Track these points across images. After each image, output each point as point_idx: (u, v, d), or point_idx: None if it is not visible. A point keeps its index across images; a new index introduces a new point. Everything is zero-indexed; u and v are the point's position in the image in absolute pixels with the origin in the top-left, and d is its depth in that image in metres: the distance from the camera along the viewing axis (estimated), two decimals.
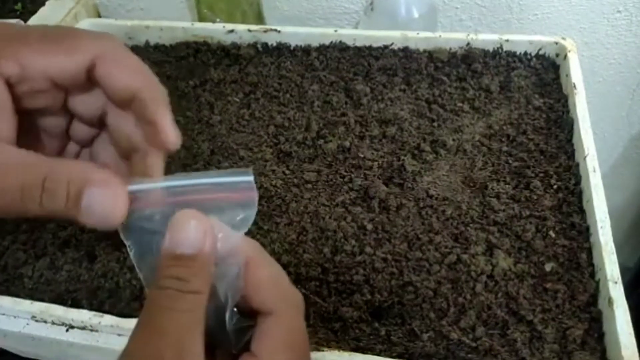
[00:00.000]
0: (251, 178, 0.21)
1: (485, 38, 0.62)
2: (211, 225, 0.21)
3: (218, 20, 0.75)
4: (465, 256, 0.45)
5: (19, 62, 0.20)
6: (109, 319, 0.42)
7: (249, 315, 0.23)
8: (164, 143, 0.23)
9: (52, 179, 0.20)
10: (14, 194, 0.19)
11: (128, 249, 0.22)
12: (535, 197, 0.49)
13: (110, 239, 0.48)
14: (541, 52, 0.62)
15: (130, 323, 0.42)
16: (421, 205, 0.49)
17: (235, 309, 0.23)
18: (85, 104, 0.23)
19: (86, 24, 0.71)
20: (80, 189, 0.20)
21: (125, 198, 0.21)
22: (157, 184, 0.20)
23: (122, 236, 0.21)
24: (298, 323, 0.23)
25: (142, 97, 0.22)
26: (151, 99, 0.22)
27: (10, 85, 0.20)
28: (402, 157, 0.53)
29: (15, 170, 0.20)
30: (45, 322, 0.44)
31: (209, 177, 0.21)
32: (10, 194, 0.19)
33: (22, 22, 0.60)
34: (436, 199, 0.49)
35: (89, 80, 0.22)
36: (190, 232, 0.20)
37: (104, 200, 0.20)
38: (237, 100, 0.62)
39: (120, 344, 0.43)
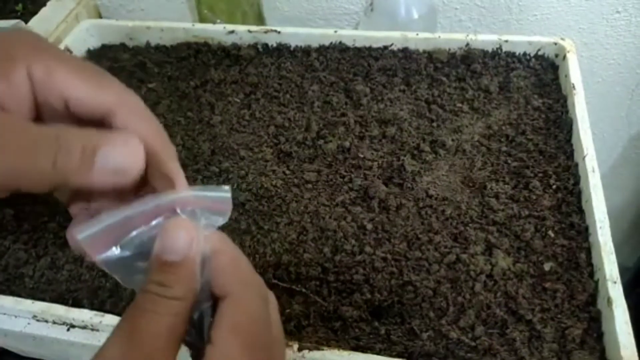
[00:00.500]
0: (229, 195, 0.21)
1: (485, 39, 0.63)
2: (198, 234, 0.21)
3: (218, 21, 0.75)
4: (464, 256, 0.45)
5: (48, 71, 0.20)
6: (110, 319, 0.42)
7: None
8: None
9: (67, 136, 0.20)
10: (26, 149, 0.19)
11: (117, 280, 0.22)
12: (534, 197, 0.49)
13: None
14: (540, 53, 0.62)
15: None
16: (421, 205, 0.49)
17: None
18: None
19: (87, 24, 0.71)
20: (95, 146, 0.20)
21: (142, 151, 0.20)
22: (148, 203, 0.20)
23: (107, 271, 0.21)
24: (256, 307, 0.22)
25: (156, 152, 0.22)
26: (166, 156, 0.22)
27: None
28: (402, 157, 0.53)
29: (28, 127, 0.19)
30: (46, 321, 0.44)
31: (193, 191, 0.21)
32: (23, 148, 0.19)
33: (22, 23, 0.60)
34: (436, 199, 0.50)
35: (101, 123, 0.22)
36: (179, 240, 0.20)
37: (120, 155, 0.20)
38: (238, 100, 0.62)
39: None
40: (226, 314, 0.21)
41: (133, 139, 0.20)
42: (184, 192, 0.21)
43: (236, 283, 0.21)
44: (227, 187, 0.22)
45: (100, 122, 0.21)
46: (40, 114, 0.21)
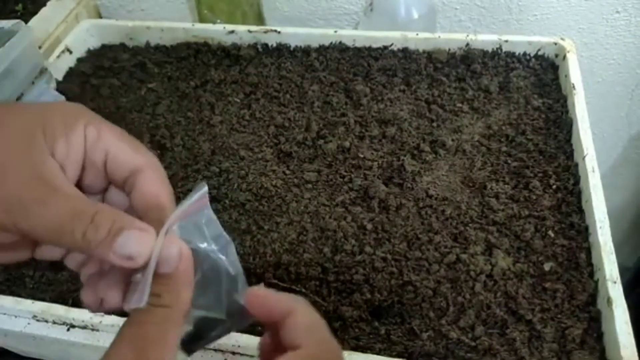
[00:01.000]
0: (204, 189, 0.25)
1: (485, 39, 0.63)
2: (187, 248, 0.24)
3: (218, 21, 0.75)
4: (464, 256, 0.45)
5: (99, 132, 0.25)
6: (109, 319, 0.42)
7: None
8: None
9: (102, 214, 0.23)
10: (69, 215, 0.23)
11: None
12: (534, 197, 0.49)
13: None
14: (540, 53, 0.62)
15: None
16: (421, 205, 0.49)
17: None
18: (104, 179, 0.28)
19: (87, 24, 0.71)
20: (121, 228, 0.23)
21: (152, 242, 0.24)
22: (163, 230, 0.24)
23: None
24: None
25: (163, 208, 0.26)
26: (169, 211, 0.26)
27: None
28: (402, 157, 0.53)
29: (75, 197, 0.23)
30: (46, 321, 0.44)
31: (181, 206, 0.25)
32: (66, 214, 0.23)
33: (22, 23, 0.60)
34: (436, 198, 0.50)
35: (127, 178, 0.27)
36: (169, 254, 0.23)
37: (135, 244, 0.23)
38: (238, 100, 0.62)
39: None
40: (290, 356, 0.23)
41: (149, 232, 0.24)
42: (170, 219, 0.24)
43: (310, 339, 0.24)
44: (202, 183, 0.25)
45: (126, 177, 0.26)
46: (83, 171, 0.26)
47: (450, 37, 0.63)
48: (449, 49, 0.63)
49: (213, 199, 0.51)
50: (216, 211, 0.28)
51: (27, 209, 0.22)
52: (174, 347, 0.22)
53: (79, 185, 0.26)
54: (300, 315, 0.25)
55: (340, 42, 0.66)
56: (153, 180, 0.26)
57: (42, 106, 0.25)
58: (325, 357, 0.25)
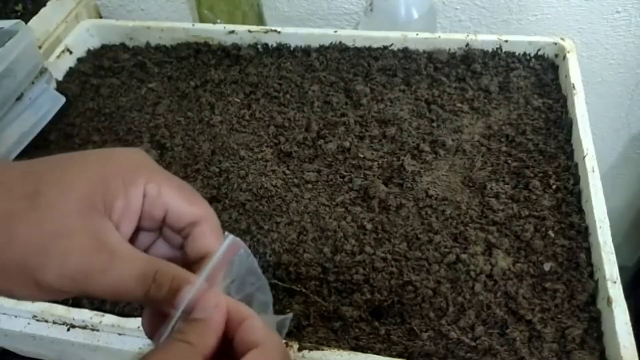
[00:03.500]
0: (231, 238, 0.28)
1: (485, 39, 0.63)
2: (223, 301, 0.26)
3: (219, 21, 0.75)
4: (464, 256, 0.45)
5: (159, 189, 0.26)
6: (110, 319, 0.42)
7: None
8: None
9: (162, 273, 0.25)
10: (134, 279, 0.24)
11: None
12: (534, 197, 0.49)
13: None
14: (540, 53, 0.62)
15: (131, 323, 0.42)
16: (421, 205, 0.49)
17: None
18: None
19: (87, 24, 0.71)
20: (180, 284, 0.25)
21: (211, 303, 0.26)
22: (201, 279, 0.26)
23: None
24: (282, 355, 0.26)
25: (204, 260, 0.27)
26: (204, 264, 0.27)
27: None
28: (402, 157, 0.53)
29: (136, 260, 0.25)
30: (46, 321, 0.44)
31: (215, 257, 0.27)
32: (130, 278, 0.24)
33: (22, 23, 0.60)
34: (436, 199, 0.50)
35: (184, 228, 0.28)
36: (206, 305, 0.25)
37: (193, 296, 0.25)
38: (238, 100, 0.62)
39: (121, 343, 0.43)
40: (253, 355, 0.24)
41: (212, 296, 0.26)
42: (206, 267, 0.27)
43: (266, 336, 0.25)
44: (226, 233, 0.28)
45: (183, 228, 0.28)
46: (140, 220, 0.27)
47: (450, 37, 0.63)
48: (449, 49, 0.63)
49: (213, 199, 0.51)
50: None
51: (91, 278, 0.24)
52: None
53: (134, 234, 0.27)
54: (257, 319, 0.26)
55: (340, 42, 0.66)
56: (208, 233, 0.28)
57: (103, 161, 0.26)
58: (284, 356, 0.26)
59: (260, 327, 0.26)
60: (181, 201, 0.27)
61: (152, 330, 0.27)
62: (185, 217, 0.27)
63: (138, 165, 0.27)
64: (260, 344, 0.25)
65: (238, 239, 0.28)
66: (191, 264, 0.27)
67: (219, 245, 0.27)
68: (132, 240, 0.27)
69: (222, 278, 0.27)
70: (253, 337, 0.25)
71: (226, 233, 0.28)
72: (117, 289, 0.24)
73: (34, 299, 0.25)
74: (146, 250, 0.29)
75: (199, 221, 0.28)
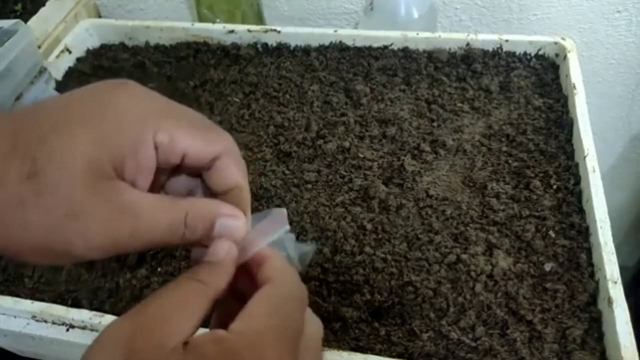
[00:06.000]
0: (284, 210, 0.29)
1: (485, 38, 0.63)
2: (234, 248, 0.26)
3: (218, 20, 0.75)
4: (465, 256, 0.45)
5: (171, 136, 0.25)
6: (109, 319, 0.42)
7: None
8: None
9: (191, 216, 0.25)
10: (163, 231, 0.24)
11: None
12: (534, 197, 0.49)
13: None
14: (541, 53, 0.62)
15: None
16: (421, 205, 0.49)
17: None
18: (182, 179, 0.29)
19: (86, 24, 0.71)
20: (212, 220, 0.25)
21: (244, 221, 0.27)
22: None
23: None
24: (292, 291, 0.26)
25: (237, 194, 0.27)
26: (244, 199, 0.27)
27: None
28: (402, 157, 0.53)
29: (162, 211, 0.24)
30: (45, 321, 0.44)
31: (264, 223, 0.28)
32: (160, 231, 0.24)
33: (22, 23, 0.60)
34: (436, 199, 0.49)
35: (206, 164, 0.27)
36: (215, 249, 0.26)
37: (232, 225, 0.26)
38: (237, 100, 0.62)
39: None
40: (262, 290, 0.24)
41: (237, 215, 0.26)
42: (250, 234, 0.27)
43: (280, 272, 0.26)
44: (281, 209, 0.28)
45: (203, 166, 0.27)
46: (158, 168, 0.25)
47: (450, 36, 0.63)
48: (450, 49, 0.63)
49: None
50: None
51: (121, 244, 0.23)
52: (193, 317, 0.23)
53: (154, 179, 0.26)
54: (276, 259, 0.27)
55: (340, 42, 0.66)
56: (231, 167, 0.27)
57: (97, 120, 0.23)
58: (297, 295, 0.26)
59: (275, 265, 0.26)
60: (198, 142, 0.25)
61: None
62: (205, 157, 0.26)
63: (141, 112, 0.25)
64: (270, 280, 0.25)
65: (285, 214, 0.28)
66: (215, 196, 0.27)
67: (244, 176, 0.27)
68: (151, 183, 0.26)
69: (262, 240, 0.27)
70: (267, 274, 0.25)
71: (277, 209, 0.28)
72: (151, 242, 0.24)
73: (73, 263, 0.25)
74: (164, 185, 0.28)
75: (220, 156, 0.26)
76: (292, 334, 0.24)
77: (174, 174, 0.28)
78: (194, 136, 0.25)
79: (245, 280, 0.27)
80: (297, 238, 0.47)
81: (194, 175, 0.28)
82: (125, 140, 0.23)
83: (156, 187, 0.26)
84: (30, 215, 0.22)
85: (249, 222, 0.27)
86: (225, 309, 0.26)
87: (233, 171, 0.27)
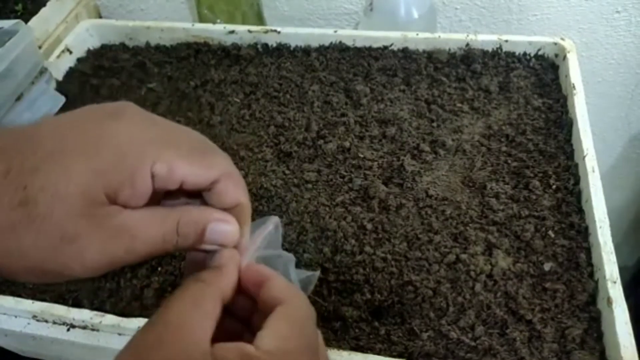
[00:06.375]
0: (276, 219, 0.30)
1: (485, 39, 0.63)
2: (237, 255, 0.27)
3: (218, 21, 0.75)
4: (464, 256, 0.45)
5: (169, 167, 0.25)
6: (110, 319, 0.42)
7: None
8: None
9: (183, 223, 0.25)
10: (157, 241, 0.25)
11: None
12: (534, 197, 0.49)
13: None
14: (540, 53, 0.62)
15: (131, 323, 0.42)
16: (421, 205, 0.49)
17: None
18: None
19: (87, 24, 0.71)
20: (204, 225, 0.26)
21: (237, 226, 0.27)
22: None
23: None
24: (307, 310, 0.26)
25: (239, 211, 0.27)
26: (244, 215, 0.28)
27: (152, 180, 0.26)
28: (402, 157, 0.53)
29: (155, 226, 0.25)
30: (46, 321, 0.44)
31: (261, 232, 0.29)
32: (155, 244, 0.25)
33: (22, 23, 0.60)
34: (435, 199, 0.50)
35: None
36: (221, 257, 0.27)
37: (222, 230, 0.26)
38: (238, 100, 0.62)
39: (121, 343, 0.43)
40: (279, 310, 0.25)
41: (229, 220, 0.27)
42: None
43: (291, 292, 0.26)
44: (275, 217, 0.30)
45: (204, 187, 0.27)
46: (154, 192, 0.26)
47: (450, 37, 0.63)
48: (449, 49, 0.63)
49: None
50: None
51: (118, 260, 0.24)
52: (211, 318, 0.24)
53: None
54: (279, 279, 0.27)
55: (340, 42, 0.66)
56: (229, 187, 0.27)
57: (93, 151, 0.23)
58: (312, 314, 0.26)
59: (284, 285, 0.26)
60: (196, 169, 0.25)
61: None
62: (203, 182, 0.26)
63: (140, 144, 0.24)
64: (285, 301, 0.25)
65: (278, 219, 0.29)
66: None
67: (245, 196, 0.27)
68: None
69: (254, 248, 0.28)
70: (277, 294, 0.25)
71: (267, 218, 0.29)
72: (147, 255, 0.25)
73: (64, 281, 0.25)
74: (159, 199, 0.28)
75: (219, 179, 0.26)
76: (315, 351, 0.25)
77: (171, 196, 0.28)
78: (192, 164, 0.25)
79: (235, 297, 0.27)
80: (297, 238, 0.48)
81: (192, 196, 0.28)
82: (122, 171, 0.24)
83: (151, 203, 0.26)
84: (23, 240, 0.22)
85: (247, 235, 0.28)
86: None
87: (232, 192, 0.27)
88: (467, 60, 0.62)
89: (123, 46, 0.71)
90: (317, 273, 0.30)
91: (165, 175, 0.25)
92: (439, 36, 0.63)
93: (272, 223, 0.29)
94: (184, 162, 0.25)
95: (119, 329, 0.42)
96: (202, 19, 0.77)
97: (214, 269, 0.26)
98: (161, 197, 0.27)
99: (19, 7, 0.77)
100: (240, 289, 0.27)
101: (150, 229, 0.25)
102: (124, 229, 0.24)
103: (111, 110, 0.26)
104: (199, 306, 0.24)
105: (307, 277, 0.29)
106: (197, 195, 0.28)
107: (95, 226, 0.23)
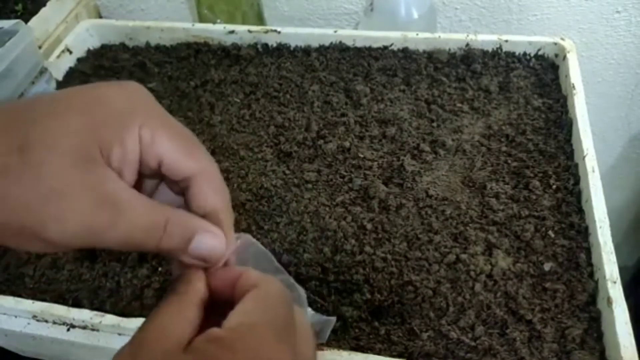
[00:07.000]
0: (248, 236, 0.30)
1: (485, 39, 0.63)
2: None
3: (218, 21, 0.75)
4: (464, 256, 0.45)
5: (152, 135, 0.24)
6: (110, 319, 0.42)
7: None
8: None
9: (172, 222, 0.24)
10: (141, 230, 0.24)
11: None
12: (534, 197, 0.49)
13: None
14: (540, 53, 0.62)
15: (131, 323, 0.42)
16: (421, 205, 0.49)
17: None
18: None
19: (87, 24, 0.71)
20: (193, 233, 0.25)
21: (224, 244, 0.26)
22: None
23: None
24: (280, 293, 0.26)
25: (214, 217, 0.26)
26: (220, 220, 0.27)
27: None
28: (402, 157, 0.53)
29: (144, 210, 0.24)
30: (46, 321, 0.44)
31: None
32: (138, 230, 0.24)
33: (22, 23, 0.60)
34: (435, 199, 0.50)
35: (182, 181, 0.27)
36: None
37: (209, 244, 0.25)
38: (238, 100, 0.62)
39: (121, 343, 0.42)
40: (249, 293, 0.24)
41: (219, 235, 0.26)
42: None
43: (264, 278, 0.25)
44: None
45: (180, 181, 0.26)
46: (140, 173, 0.25)
47: (450, 37, 0.63)
48: (449, 49, 0.63)
49: None
50: None
51: (98, 234, 0.23)
52: (186, 324, 0.24)
53: (137, 181, 0.26)
54: (252, 271, 0.26)
55: (340, 42, 0.66)
56: (206, 190, 0.26)
57: (90, 107, 0.24)
58: (284, 295, 0.26)
59: (257, 274, 0.26)
60: (176, 152, 0.25)
61: None
62: (181, 171, 0.26)
63: (133, 105, 0.25)
64: (256, 285, 0.25)
65: (249, 237, 0.28)
66: None
67: (222, 202, 0.26)
68: (136, 186, 0.26)
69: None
70: (250, 282, 0.25)
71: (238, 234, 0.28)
72: (127, 241, 0.24)
73: (46, 251, 0.25)
74: (150, 197, 0.27)
75: (196, 176, 0.26)
76: (284, 325, 0.24)
77: (159, 189, 0.28)
78: (175, 145, 0.25)
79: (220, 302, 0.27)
80: (297, 238, 0.48)
81: (177, 193, 0.28)
82: (115, 128, 0.24)
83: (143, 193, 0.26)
84: (13, 186, 0.22)
85: (230, 244, 0.27)
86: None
87: (209, 195, 0.26)
88: (467, 60, 0.62)
89: (123, 46, 0.71)
90: (333, 319, 0.28)
91: (148, 144, 0.24)
92: (439, 36, 0.63)
93: (242, 241, 0.28)
94: (166, 137, 0.25)
95: (119, 329, 0.42)
96: (202, 19, 0.77)
97: (184, 278, 0.25)
98: (151, 192, 0.27)
99: (19, 7, 0.77)
100: (222, 294, 0.26)
101: (138, 211, 0.24)
102: (114, 198, 0.23)
103: (115, 82, 0.26)
104: (175, 315, 0.24)
105: (324, 323, 0.28)
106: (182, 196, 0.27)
107: (87, 185, 0.22)
